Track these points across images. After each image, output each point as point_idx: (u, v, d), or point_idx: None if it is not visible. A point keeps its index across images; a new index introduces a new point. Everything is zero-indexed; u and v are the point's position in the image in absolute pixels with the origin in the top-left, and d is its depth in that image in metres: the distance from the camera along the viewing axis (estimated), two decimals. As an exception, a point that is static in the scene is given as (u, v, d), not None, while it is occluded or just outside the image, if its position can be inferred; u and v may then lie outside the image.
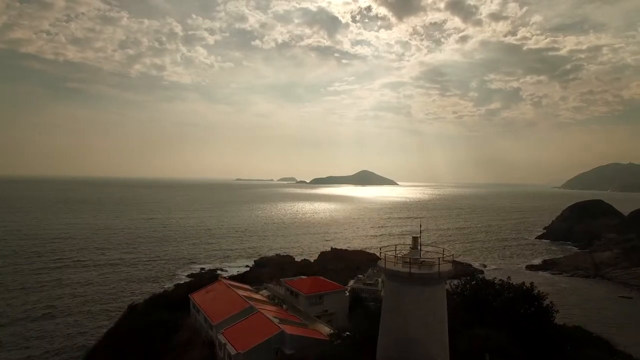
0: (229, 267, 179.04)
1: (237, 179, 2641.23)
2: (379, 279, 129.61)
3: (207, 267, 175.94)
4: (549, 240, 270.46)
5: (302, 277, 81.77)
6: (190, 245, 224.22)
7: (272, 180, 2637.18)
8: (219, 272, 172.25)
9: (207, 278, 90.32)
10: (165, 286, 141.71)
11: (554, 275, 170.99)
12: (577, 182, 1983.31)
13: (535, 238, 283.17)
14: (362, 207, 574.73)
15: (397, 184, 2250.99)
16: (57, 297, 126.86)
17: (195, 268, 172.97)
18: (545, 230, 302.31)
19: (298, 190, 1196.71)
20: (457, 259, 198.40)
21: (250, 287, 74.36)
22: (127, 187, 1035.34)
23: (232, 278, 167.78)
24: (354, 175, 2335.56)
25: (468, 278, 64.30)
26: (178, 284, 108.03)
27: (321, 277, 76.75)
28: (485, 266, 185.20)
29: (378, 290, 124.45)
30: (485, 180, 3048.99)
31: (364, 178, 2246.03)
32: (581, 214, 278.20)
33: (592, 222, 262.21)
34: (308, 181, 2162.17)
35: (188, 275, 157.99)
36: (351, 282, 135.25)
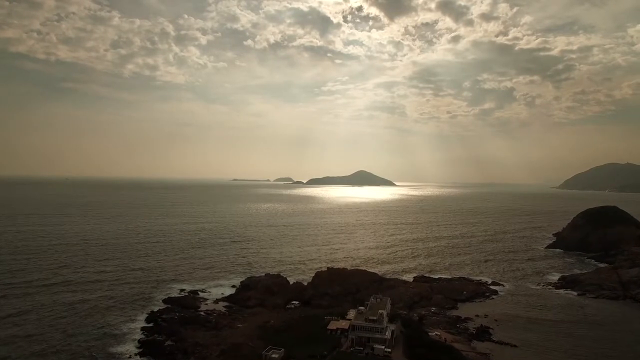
0: (213, 287, 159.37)
1: (234, 179, 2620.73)
2: (384, 312, 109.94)
3: (188, 287, 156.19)
4: (561, 250, 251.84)
5: None
6: (174, 258, 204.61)
7: (268, 180, 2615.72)
8: (200, 293, 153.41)
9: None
10: (135, 320, 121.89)
11: (578, 296, 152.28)
12: (575, 182, 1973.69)
13: (546, 247, 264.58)
14: (361, 212, 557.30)
15: (395, 184, 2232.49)
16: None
17: (175, 289, 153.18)
18: (555, 238, 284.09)
19: (296, 192, 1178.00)
20: (466, 276, 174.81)
21: None
22: (123, 189, 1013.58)
23: (216, 302, 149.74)
24: (351, 175, 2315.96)
25: None
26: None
27: None
28: (499, 284, 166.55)
29: (383, 328, 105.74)
30: (482, 179, 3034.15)
31: (362, 178, 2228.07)
32: (595, 222, 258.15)
33: (608, 231, 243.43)
34: (305, 181, 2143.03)
35: (164, 301, 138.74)
36: (351, 314, 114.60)
